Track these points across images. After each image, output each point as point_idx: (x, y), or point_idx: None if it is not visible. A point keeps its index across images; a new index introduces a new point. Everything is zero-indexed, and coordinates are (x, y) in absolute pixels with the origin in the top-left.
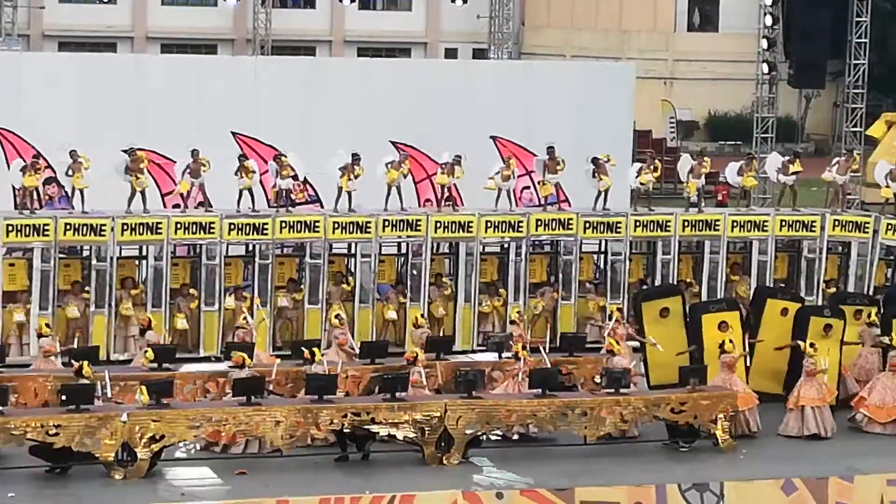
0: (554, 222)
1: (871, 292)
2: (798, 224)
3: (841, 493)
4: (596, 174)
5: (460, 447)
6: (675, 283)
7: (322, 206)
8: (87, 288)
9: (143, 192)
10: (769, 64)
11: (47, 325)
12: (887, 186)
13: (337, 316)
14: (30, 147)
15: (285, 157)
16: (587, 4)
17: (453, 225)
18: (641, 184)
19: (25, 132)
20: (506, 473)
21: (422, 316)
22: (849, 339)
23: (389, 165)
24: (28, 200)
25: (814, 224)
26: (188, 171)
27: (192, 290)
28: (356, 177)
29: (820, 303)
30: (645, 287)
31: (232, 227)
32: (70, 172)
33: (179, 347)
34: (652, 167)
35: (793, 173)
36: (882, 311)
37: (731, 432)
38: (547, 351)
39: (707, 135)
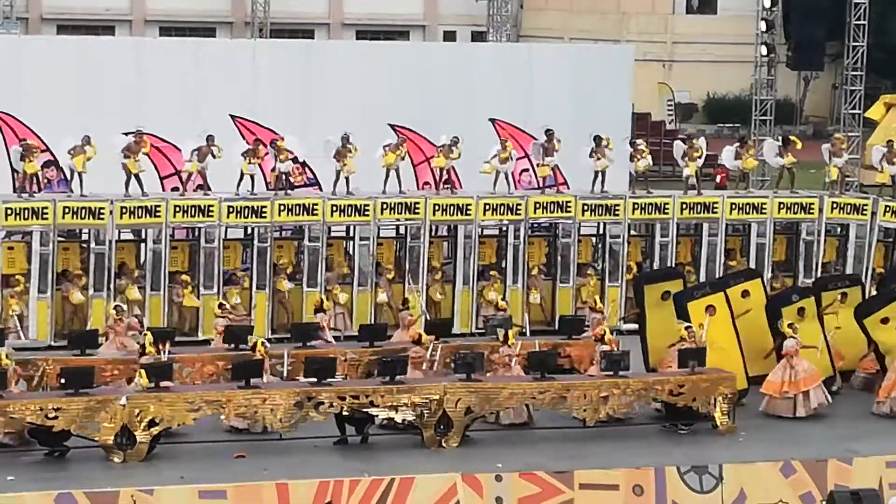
0: (552, 205)
1: (868, 274)
2: (796, 206)
3: (840, 476)
4: (594, 154)
5: (459, 430)
6: (676, 265)
7: (321, 190)
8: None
9: (138, 176)
10: (768, 46)
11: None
12: (882, 170)
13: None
14: (28, 131)
15: (282, 140)
16: None
17: (451, 208)
18: (636, 170)
19: (25, 116)
20: None
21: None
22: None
23: (387, 148)
24: (27, 184)
25: (812, 206)
26: (196, 153)
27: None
28: (352, 156)
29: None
30: (647, 270)
31: (231, 210)
32: (72, 153)
33: (178, 331)
34: (640, 152)
35: (791, 163)
36: (878, 291)
37: (731, 415)
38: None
39: (706, 117)
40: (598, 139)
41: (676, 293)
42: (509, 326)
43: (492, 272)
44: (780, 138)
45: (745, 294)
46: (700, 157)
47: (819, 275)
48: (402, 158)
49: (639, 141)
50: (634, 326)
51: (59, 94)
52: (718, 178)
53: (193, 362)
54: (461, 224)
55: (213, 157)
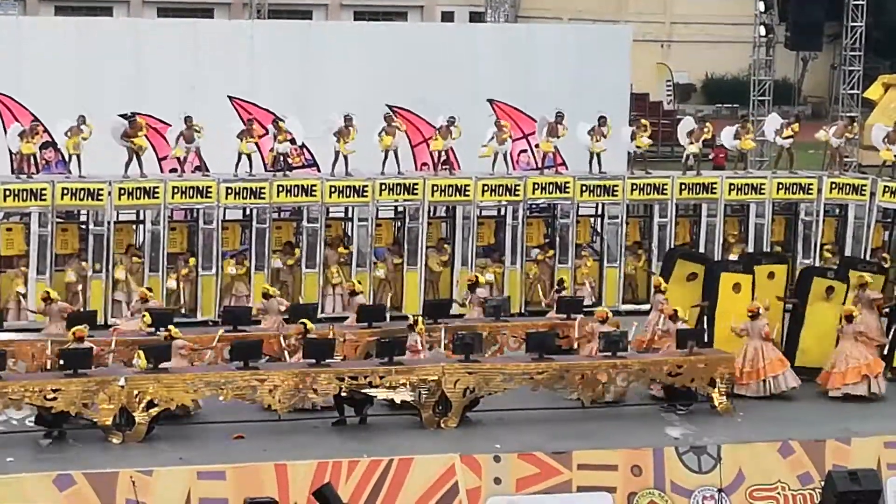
0: (551, 185)
1: (867, 255)
2: (795, 187)
3: (838, 456)
4: (592, 134)
5: (458, 411)
6: (673, 246)
7: (319, 171)
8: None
9: (139, 157)
10: (766, 26)
11: (148, 290)
12: (887, 149)
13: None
14: (27, 112)
15: (283, 121)
16: None
17: (450, 188)
18: (638, 147)
19: (22, 97)
20: None
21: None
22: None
23: (383, 132)
24: (25, 165)
25: (811, 187)
26: (181, 137)
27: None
28: (352, 138)
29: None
30: (685, 246)
31: (229, 191)
32: (69, 134)
33: (177, 312)
34: (642, 128)
35: (787, 137)
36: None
37: (729, 395)
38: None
39: (704, 97)
40: (602, 119)
41: (713, 262)
42: (507, 307)
43: (493, 259)
44: (793, 117)
45: (771, 276)
46: (709, 137)
47: (817, 255)
48: (399, 129)
49: (643, 121)
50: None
51: (58, 76)
52: (714, 158)
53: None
54: (459, 205)
55: (198, 135)
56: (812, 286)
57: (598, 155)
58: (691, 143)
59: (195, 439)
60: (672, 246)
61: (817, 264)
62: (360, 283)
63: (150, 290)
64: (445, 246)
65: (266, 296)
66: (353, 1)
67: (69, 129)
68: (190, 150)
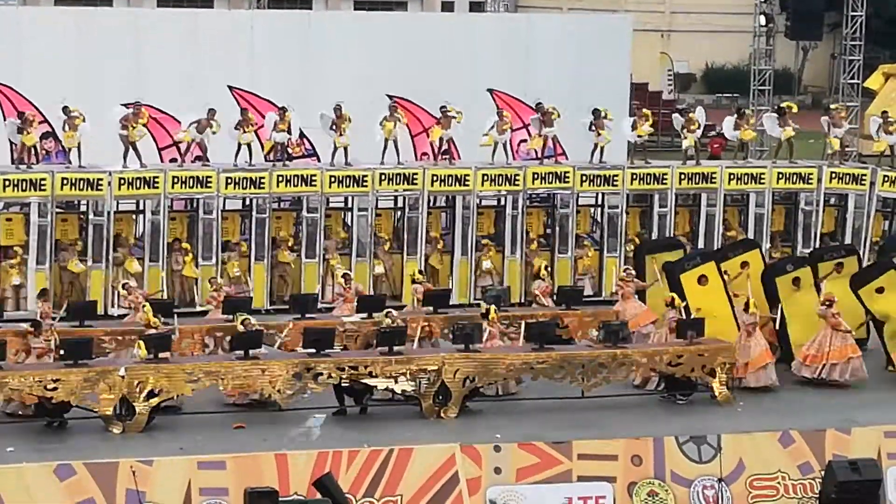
0: (551, 175)
1: (867, 245)
2: (795, 177)
3: (838, 445)
4: (593, 127)
5: (458, 400)
6: (672, 235)
7: (319, 161)
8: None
9: (136, 147)
10: (766, 16)
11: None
12: (878, 140)
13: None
14: (27, 102)
15: (288, 111)
16: None
17: (450, 178)
18: (639, 136)
19: (23, 87)
20: None
21: (420, 272)
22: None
23: (384, 121)
24: (25, 155)
25: (811, 176)
26: (196, 124)
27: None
28: (346, 127)
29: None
30: (649, 240)
31: (229, 181)
32: (66, 128)
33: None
34: (643, 118)
35: (788, 136)
36: (877, 260)
37: (729, 385)
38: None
39: (704, 87)
40: (596, 112)
41: (667, 264)
42: (506, 297)
43: (484, 241)
44: (776, 108)
45: (745, 265)
46: (698, 130)
47: (818, 245)
48: (400, 121)
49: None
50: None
51: (58, 66)
52: (711, 147)
53: (192, 333)
54: (459, 195)
55: (212, 130)
56: (778, 287)
57: (602, 146)
58: (685, 136)
59: (195, 429)
60: (671, 235)
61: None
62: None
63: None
64: (440, 245)
65: (346, 277)
66: None
67: (64, 123)
68: (194, 141)
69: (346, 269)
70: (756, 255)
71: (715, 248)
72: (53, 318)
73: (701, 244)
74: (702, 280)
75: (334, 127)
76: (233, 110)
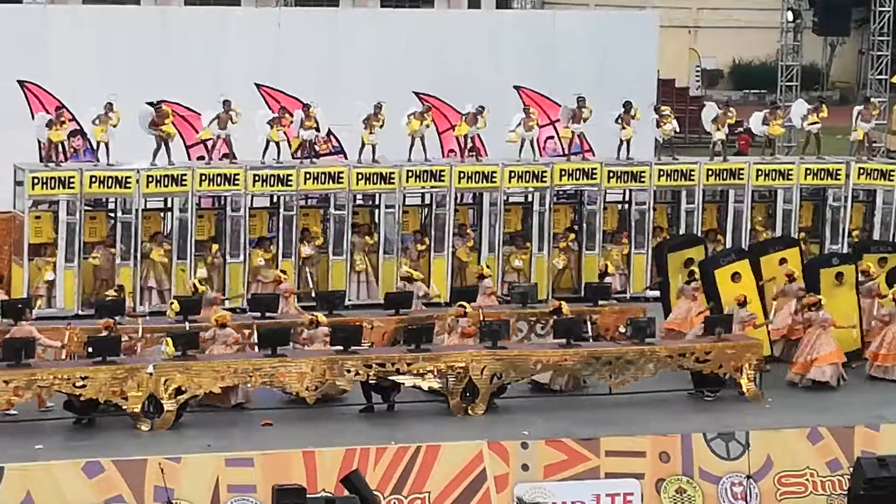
0: (578, 172)
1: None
2: (823, 172)
3: (867, 442)
4: (620, 121)
5: (485, 397)
6: (702, 233)
7: (346, 158)
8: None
9: (167, 144)
10: (794, 11)
11: (283, 272)
12: None
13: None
14: (54, 100)
15: (313, 108)
16: None
17: (477, 175)
18: (664, 135)
19: (50, 85)
20: None
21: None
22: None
23: (411, 116)
24: (53, 153)
25: (839, 172)
26: (216, 120)
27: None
28: (380, 127)
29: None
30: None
31: (256, 178)
32: (97, 122)
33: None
34: (666, 115)
35: (813, 123)
36: None
37: (757, 381)
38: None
39: (731, 83)
40: (627, 105)
41: (702, 261)
42: (534, 294)
43: (516, 240)
44: (817, 101)
45: (783, 262)
46: (732, 122)
47: (847, 241)
48: (427, 126)
49: (664, 108)
50: (657, 293)
51: (85, 64)
52: (738, 145)
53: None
54: (486, 191)
55: (232, 122)
56: (821, 279)
57: (627, 141)
58: (717, 129)
59: (223, 426)
60: (700, 232)
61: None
62: None
63: (283, 272)
64: (469, 232)
65: (409, 279)
66: None
67: (97, 117)
68: (220, 136)
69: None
70: (795, 253)
71: (743, 244)
72: (142, 316)
73: (729, 241)
74: (735, 277)
75: (366, 122)
76: (260, 107)
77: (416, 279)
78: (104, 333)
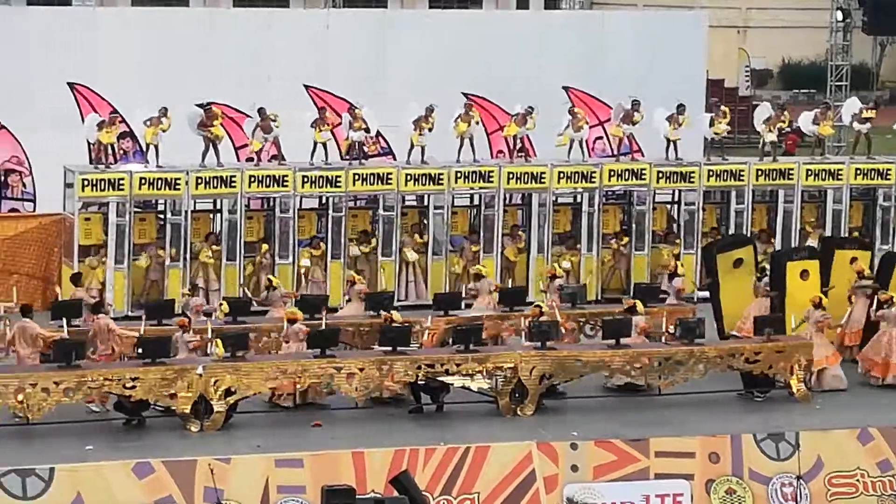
0: (627, 172)
1: None
2: (873, 172)
3: None
4: (671, 120)
5: (534, 398)
6: (751, 233)
7: (394, 159)
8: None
9: (215, 146)
10: (843, 11)
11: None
12: None
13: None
14: (104, 102)
15: (359, 109)
16: None
17: (526, 176)
18: (716, 134)
19: (100, 87)
20: None
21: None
22: None
23: (459, 118)
24: (103, 155)
25: (889, 172)
26: (258, 128)
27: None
28: (429, 129)
29: None
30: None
31: (305, 179)
32: (148, 124)
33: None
34: (721, 114)
35: (865, 119)
36: None
37: (807, 382)
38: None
39: (781, 83)
40: (681, 107)
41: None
42: (583, 294)
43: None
44: (872, 101)
45: (853, 260)
46: (785, 125)
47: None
48: (478, 123)
49: (723, 107)
50: (706, 294)
51: (134, 65)
52: (785, 145)
53: (269, 331)
54: (535, 192)
55: (275, 124)
56: (893, 278)
57: (675, 142)
58: (769, 130)
59: (272, 427)
60: (749, 233)
61: None
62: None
63: (360, 271)
64: (520, 233)
65: (478, 276)
66: None
67: (149, 119)
68: (268, 141)
69: (420, 268)
70: (866, 256)
71: (792, 245)
72: (207, 315)
73: (778, 241)
74: (804, 274)
75: (415, 123)
76: (308, 109)
77: (485, 276)
78: (179, 332)
